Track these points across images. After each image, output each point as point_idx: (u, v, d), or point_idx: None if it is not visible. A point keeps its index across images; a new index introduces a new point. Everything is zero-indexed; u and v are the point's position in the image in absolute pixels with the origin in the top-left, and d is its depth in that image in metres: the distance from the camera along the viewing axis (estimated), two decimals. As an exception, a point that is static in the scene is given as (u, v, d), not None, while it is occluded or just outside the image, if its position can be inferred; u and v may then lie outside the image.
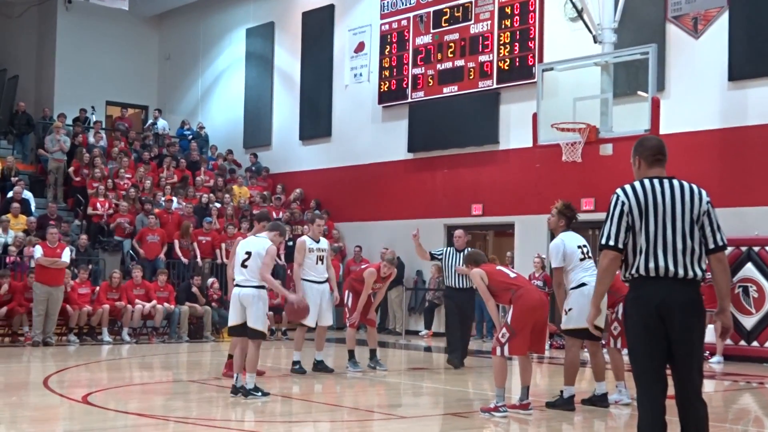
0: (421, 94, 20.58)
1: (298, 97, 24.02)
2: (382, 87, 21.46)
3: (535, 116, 15.41)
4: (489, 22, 19.32)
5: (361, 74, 22.33)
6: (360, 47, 22.42)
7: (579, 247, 9.02)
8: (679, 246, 4.96)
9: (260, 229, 10.60)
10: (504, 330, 8.51)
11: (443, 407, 9.66)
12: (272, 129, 24.91)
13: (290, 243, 17.52)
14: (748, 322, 14.58)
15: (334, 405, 9.80)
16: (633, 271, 5.02)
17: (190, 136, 25.17)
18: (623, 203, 5.04)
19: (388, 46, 21.38)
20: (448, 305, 13.44)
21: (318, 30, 23.53)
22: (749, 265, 14.68)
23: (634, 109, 14.36)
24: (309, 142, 23.74)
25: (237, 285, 9.50)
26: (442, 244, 17.98)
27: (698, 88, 16.21)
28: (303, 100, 23.85)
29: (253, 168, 24.48)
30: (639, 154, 5.21)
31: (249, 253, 9.45)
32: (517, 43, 18.78)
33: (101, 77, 26.68)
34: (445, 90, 20.08)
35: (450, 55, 20.04)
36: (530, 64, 18.34)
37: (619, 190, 5.11)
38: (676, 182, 5.09)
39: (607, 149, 15.29)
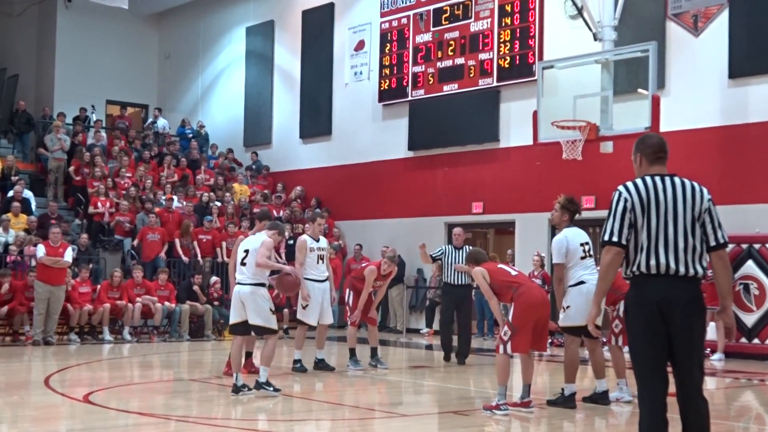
0: (421, 92, 20.57)
1: (298, 96, 24.02)
2: (382, 85, 21.46)
3: (535, 114, 15.41)
4: (489, 20, 19.31)
5: (361, 72, 22.33)
6: (360, 45, 22.41)
7: (582, 244, 9.01)
8: (681, 243, 4.96)
9: (261, 228, 10.64)
10: (506, 328, 8.52)
11: (444, 405, 9.65)
12: (272, 127, 24.91)
13: (290, 242, 17.53)
14: (749, 319, 14.58)
15: (335, 403, 9.80)
16: (634, 269, 5.02)
17: (191, 135, 25.16)
18: (626, 200, 5.04)
19: (388, 44, 21.37)
20: (445, 301, 13.74)
21: (318, 28, 23.52)
22: (750, 263, 14.69)
23: (635, 107, 14.35)
24: (309, 141, 23.74)
25: (237, 283, 9.55)
26: (442, 242, 17.97)
27: (698, 86, 16.21)
28: (303, 98, 23.85)
29: (254, 166, 24.48)
30: (640, 152, 5.21)
31: (247, 251, 9.49)
32: (517, 41, 18.77)
33: (101, 76, 26.68)
34: (445, 88, 20.07)
35: (450, 53, 20.03)
36: (530, 62, 18.34)
37: (621, 187, 5.11)
38: (677, 180, 5.09)
39: (607, 147, 15.29)
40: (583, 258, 8.99)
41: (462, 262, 13.03)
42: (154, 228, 18.62)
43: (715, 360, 14.11)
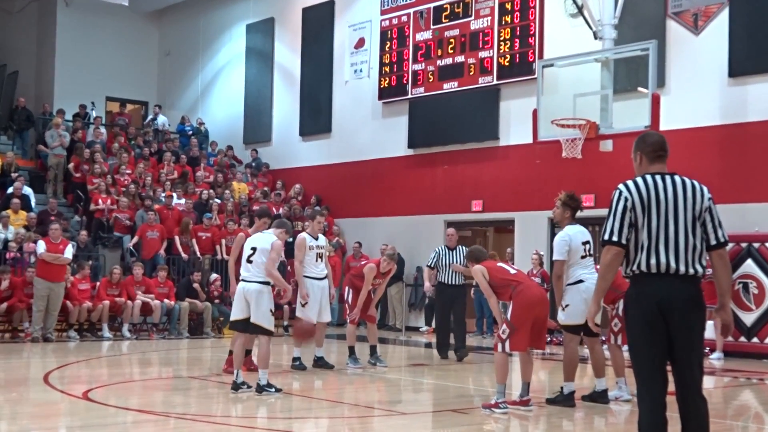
0: (421, 90, 20.57)
1: (298, 93, 24.01)
2: (382, 83, 21.45)
3: (535, 112, 15.41)
4: (489, 18, 19.30)
5: (361, 70, 22.32)
6: (360, 43, 22.40)
7: (583, 243, 9.01)
8: (681, 242, 4.96)
9: (261, 226, 10.65)
10: (504, 326, 8.52)
11: (443, 403, 9.65)
12: (272, 125, 24.91)
13: (290, 239, 17.51)
14: (748, 318, 14.58)
15: (334, 401, 9.81)
16: (634, 268, 5.01)
17: (190, 132, 25.15)
18: (626, 199, 5.04)
19: (388, 42, 21.36)
20: (440, 301, 13.86)
21: (318, 26, 23.51)
22: (749, 262, 14.68)
23: (634, 106, 14.35)
24: (309, 138, 23.73)
25: (242, 280, 9.53)
26: (442, 241, 17.95)
27: (698, 85, 16.20)
28: (303, 96, 23.84)
29: (254, 164, 24.48)
30: (640, 150, 5.20)
31: (254, 249, 9.49)
32: (517, 39, 18.77)
33: (101, 73, 26.67)
34: (445, 86, 20.07)
35: (450, 51, 20.02)
36: (530, 60, 18.33)
37: (621, 186, 5.10)
38: (677, 178, 5.08)
39: (607, 145, 15.29)
40: (583, 257, 8.99)
41: (457, 262, 13.23)
42: (153, 225, 18.60)
43: (714, 359, 14.11)
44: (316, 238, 11.90)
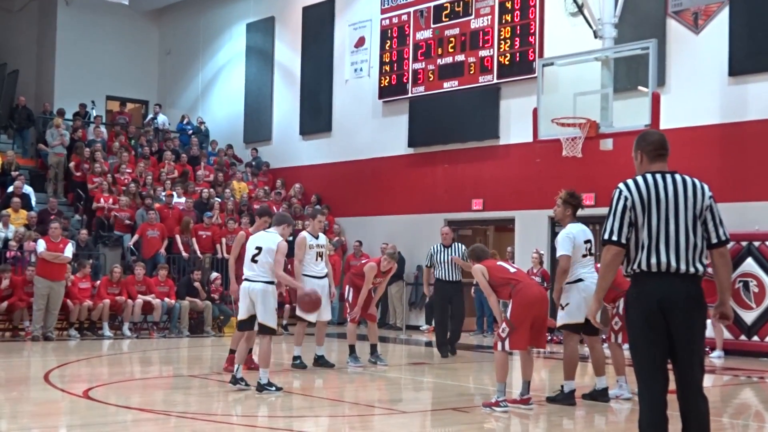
0: (421, 89, 20.57)
1: (298, 92, 24.01)
2: (382, 82, 21.44)
3: (535, 111, 15.41)
4: (489, 17, 19.30)
5: (361, 69, 22.32)
6: (360, 42, 22.40)
7: (585, 242, 9.02)
8: (682, 241, 4.96)
9: (262, 225, 10.66)
10: (504, 325, 8.52)
11: (444, 402, 9.66)
12: (272, 124, 24.90)
13: (290, 238, 17.50)
14: (749, 316, 14.58)
15: (334, 400, 9.81)
16: (635, 267, 5.01)
17: (191, 131, 25.16)
18: (626, 198, 5.03)
19: (388, 41, 21.36)
20: (437, 298, 13.97)
21: (318, 25, 23.51)
22: (749, 260, 14.68)
23: (635, 104, 14.35)
24: (309, 137, 23.73)
25: (246, 279, 9.53)
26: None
27: (698, 84, 16.20)
28: (303, 94, 23.84)
29: (254, 163, 24.48)
30: (641, 149, 5.20)
31: (259, 249, 9.49)
32: (517, 38, 18.77)
33: (101, 72, 26.67)
34: (445, 85, 20.06)
35: (450, 50, 20.02)
36: (531, 59, 18.33)
37: (621, 185, 5.10)
38: (678, 177, 5.08)
39: (607, 144, 15.29)
40: (584, 256, 8.99)
41: (454, 256, 13.34)
42: (153, 224, 18.61)
43: (715, 357, 14.12)
44: (317, 237, 11.91)
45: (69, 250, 15.57)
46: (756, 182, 15.33)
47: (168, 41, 28.61)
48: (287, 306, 17.35)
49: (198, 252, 19.05)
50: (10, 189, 18.81)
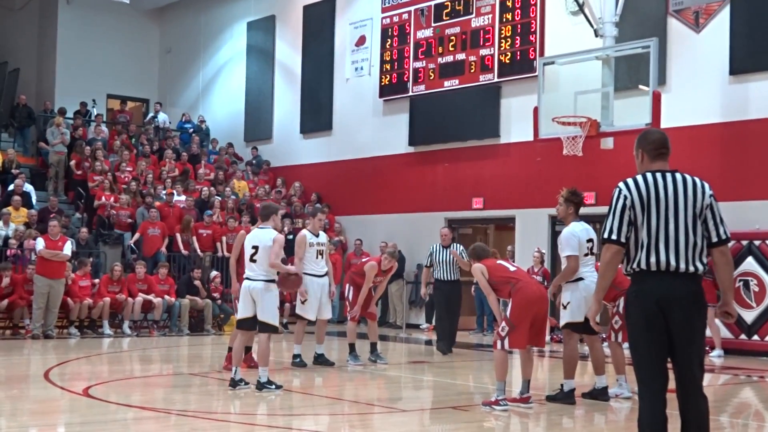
0: (422, 87, 20.56)
1: (299, 91, 24.01)
2: (383, 80, 21.44)
3: (536, 110, 15.41)
4: (490, 15, 19.29)
5: (362, 68, 22.31)
6: (361, 41, 22.39)
7: (587, 241, 9.01)
8: (682, 240, 4.95)
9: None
10: (504, 324, 8.52)
11: (444, 401, 9.66)
12: (273, 122, 24.90)
13: (290, 236, 17.54)
14: (749, 315, 14.58)
15: (334, 398, 9.82)
16: (634, 266, 5.01)
17: (191, 130, 25.16)
18: (626, 197, 5.03)
19: (389, 40, 21.35)
20: (437, 296, 14.03)
21: (319, 23, 23.51)
22: (750, 259, 14.67)
23: (635, 103, 14.34)
24: (310, 136, 23.72)
25: (247, 278, 9.52)
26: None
27: (699, 82, 16.19)
28: (304, 93, 23.84)
29: (254, 161, 24.48)
30: (642, 148, 5.19)
31: (256, 247, 9.47)
32: (518, 37, 18.76)
33: (102, 70, 26.67)
34: (446, 84, 20.06)
35: (451, 49, 20.01)
36: (531, 57, 18.33)
37: (621, 184, 5.09)
38: (679, 176, 5.07)
39: (608, 143, 15.27)
40: (585, 255, 8.98)
41: (451, 258, 13.38)
42: (154, 222, 18.62)
43: (715, 356, 14.12)
44: (317, 235, 11.90)
45: (68, 248, 15.57)
46: (756, 181, 15.33)
47: (169, 40, 28.60)
48: (287, 304, 17.34)
49: (198, 250, 19.06)
50: (11, 187, 18.82)
